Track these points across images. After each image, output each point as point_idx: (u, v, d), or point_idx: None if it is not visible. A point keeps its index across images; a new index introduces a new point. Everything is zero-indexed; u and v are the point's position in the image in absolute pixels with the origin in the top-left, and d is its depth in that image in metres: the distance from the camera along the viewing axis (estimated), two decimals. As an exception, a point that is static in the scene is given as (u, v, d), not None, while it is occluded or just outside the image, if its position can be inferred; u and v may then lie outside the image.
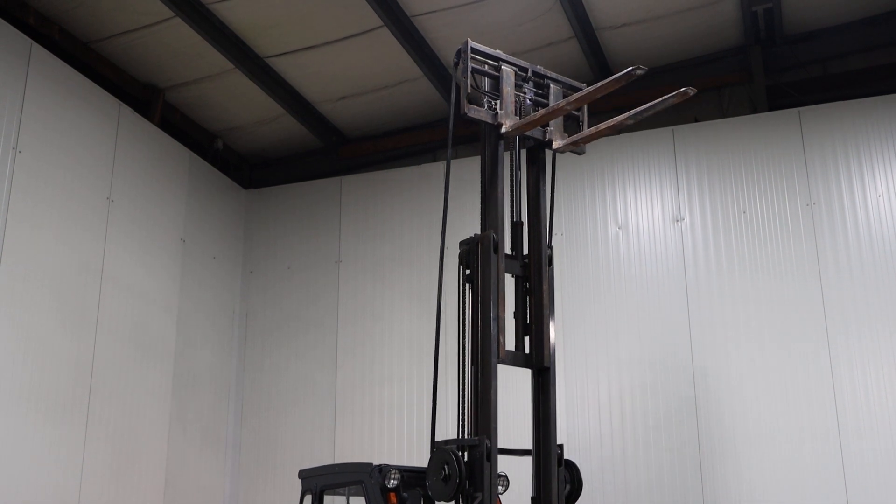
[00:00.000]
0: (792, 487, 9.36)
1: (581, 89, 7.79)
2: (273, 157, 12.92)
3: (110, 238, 9.79)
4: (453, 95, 7.34)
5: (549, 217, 7.56)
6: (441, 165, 11.59)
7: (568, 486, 7.40)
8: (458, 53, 7.34)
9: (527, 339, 7.25)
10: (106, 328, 9.56)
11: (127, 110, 10.28)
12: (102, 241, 9.69)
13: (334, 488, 8.24)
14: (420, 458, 8.37)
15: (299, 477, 8.68)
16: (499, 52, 7.52)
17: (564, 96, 7.72)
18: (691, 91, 6.25)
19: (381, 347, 11.09)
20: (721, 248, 10.14)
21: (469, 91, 7.25)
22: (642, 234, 10.49)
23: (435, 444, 7.07)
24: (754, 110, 10.85)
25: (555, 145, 7.51)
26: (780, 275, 9.87)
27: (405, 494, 7.70)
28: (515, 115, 7.39)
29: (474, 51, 7.36)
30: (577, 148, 7.59)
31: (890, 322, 9.40)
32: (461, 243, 7.27)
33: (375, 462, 7.82)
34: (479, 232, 7.18)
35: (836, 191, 9.91)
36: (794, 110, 10.28)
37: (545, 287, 7.25)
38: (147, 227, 10.43)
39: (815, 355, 9.56)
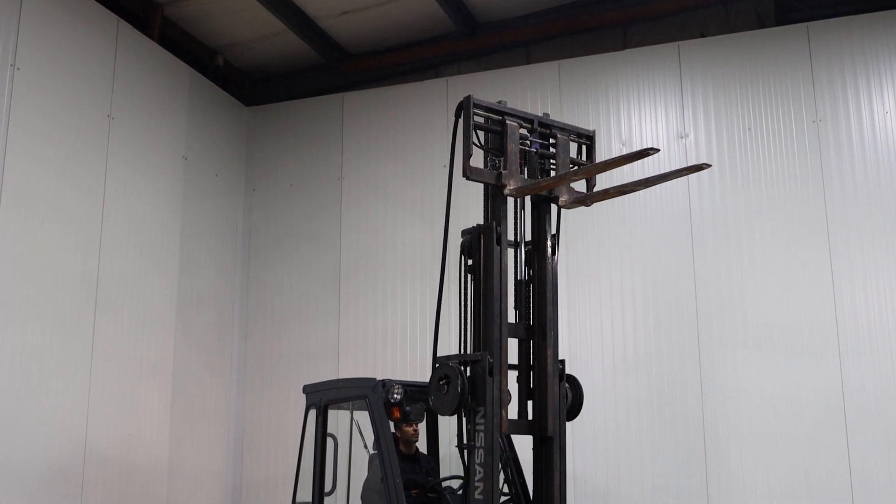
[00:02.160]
0: (790, 403, 9.46)
1: (590, 135, 7.64)
2: (274, 74, 12.80)
3: (112, 156, 9.75)
4: (452, 150, 7.09)
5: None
6: (444, 82, 11.47)
7: (569, 401, 7.50)
8: (459, 108, 7.05)
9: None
10: (109, 246, 9.57)
11: (125, 26, 10.15)
12: (104, 159, 9.65)
13: (338, 403, 8.33)
14: (423, 373, 8.43)
15: (304, 392, 8.77)
16: (503, 105, 7.25)
17: (573, 145, 7.52)
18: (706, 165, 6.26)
19: (385, 264, 11.12)
20: (725, 165, 10.08)
21: (472, 151, 6.94)
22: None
23: (437, 360, 7.15)
24: (762, 25, 10.68)
25: (561, 201, 7.31)
26: (784, 191, 9.84)
27: (408, 409, 7.79)
28: (520, 172, 7.15)
29: (477, 105, 7.06)
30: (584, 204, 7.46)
31: (893, 238, 9.40)
32: (463, 232, 7.17)
33: (379, 377, 7.89)
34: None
35: (842, 107, 9.82)
36: (803, 25, 10.13)
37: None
38: (148, 145, 10.38)
39: (818, 271, 9.58)
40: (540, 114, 7.42)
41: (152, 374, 10.09)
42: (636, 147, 10.42)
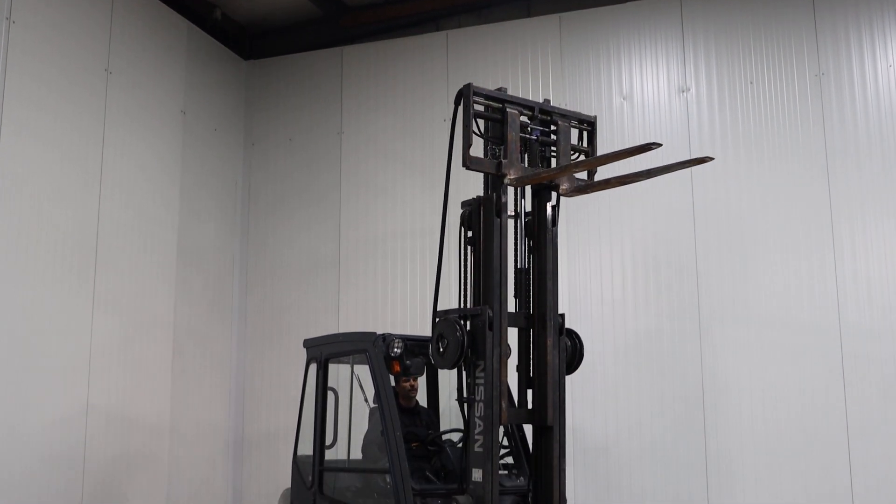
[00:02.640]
0: (789, 352, 9.50)
1: (591, 121, 7.60)
2: (272, 28, 12.69)
3: (110, 111, 9.70)
4: (451, 136, 7.04)
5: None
6: (443, 36, 11.38)
7: (569, 354, 7.53)
8: (459, 96, 6.98)
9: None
10: (109, 202, 9.55)
11: (122, -22, 10.07)
12: (102, 113, 9.60)
13: (339, 357, 8.36)
14: (424, 328, 8.47)
15: (304, 346, 8.80)
16: (503, 93, 7.17)
17: (574, 131, 7.47)
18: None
19: (385, 219, 11.11)
20: (727, 119, 10.04)
21: (472, 141, 6.89)
22: (647, 105, 10.37)
23: (437, 314, 7.16)
24: (764, -23, 10.58)
25: (562, 190, 7.27)
26: (785, 146, 9.81)
27: (409, 363, 7.82)
28: (521, 160, 7.09)
29: (477, 94, 6.99)
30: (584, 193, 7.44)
31: (894, 192, 9.38)
32: (463, 204, 7.14)
33: (379, 331, 7.92)
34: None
35: (845, 61, 9.75)
36: (806, -23, 10.04)
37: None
38: (146, 99, 10.33)
39: (818, 225, 9.58)
40: (540, 96, 7.41)
41: (153, 328, 10.11)
42: (637, 101, 10.38)
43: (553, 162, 7.34)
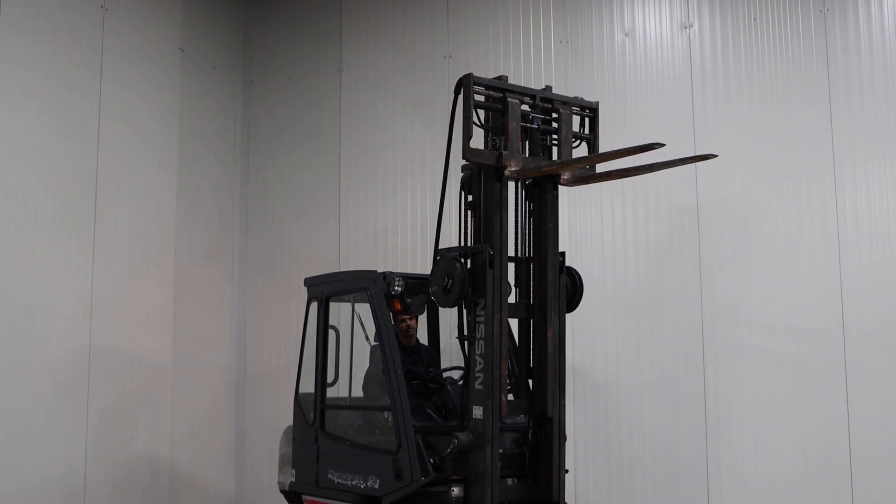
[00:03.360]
0: (789, 291, 9.52)
1: (593, 107, 7.52)
2: (271, -37, 12.53)
3: (107, 49, 9.60)
4: (450, 128, 7.01)
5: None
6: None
7: (569, 292, 7.55)
8: (459, 86, 6.92)
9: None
10: (107, 142, 9.51)
11: (117, -88, 9.90)
12: (99, 52, 9.51)
13: (339, 295, 8.38)
14: (424, 266, 8.47)
15: (305, 285, 8.82)
16: (504, 81, 7.08)
17: (575, 118, 7.41)
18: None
19: (385, 157, 11.05)
20: (729, 56, 9.94)
21: (472, 133, 6.84)
22: (649, 41, 10.26)
23: (438, 252, 7.16)
24: None
25: (563, 180, 7.22)
26: (788, 82, 9.71)
27: (409, 301, 7.84)
28: (521, 149, 7.02)
29: (477, 83, 6.92)
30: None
31: (898, 129, 9.34)
32: (463, 168, 7.07)
33: (380, 270, 7.93)
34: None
35: (851, -4, 9.64)
36: None
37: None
38: (144, 36, 10.21)
39: (819, 163, 9.54)
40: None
41: (154, 268, 10.13)
42: (639, 38, 10.26)
43: (554, 151, 7.30)
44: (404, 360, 7.72)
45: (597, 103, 7.56)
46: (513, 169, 6.90)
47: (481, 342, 6.98)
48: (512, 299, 7.34)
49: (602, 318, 9.98)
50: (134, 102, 9.93)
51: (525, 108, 7.15)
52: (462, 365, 7.49)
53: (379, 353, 7.71)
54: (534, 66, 10.51)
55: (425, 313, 8.89)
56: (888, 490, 9.06)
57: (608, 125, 10.11)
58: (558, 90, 10.23)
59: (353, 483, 7.78)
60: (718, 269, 9.76)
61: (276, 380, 11.03)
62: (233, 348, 11.36)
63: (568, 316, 7.54)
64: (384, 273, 7.78)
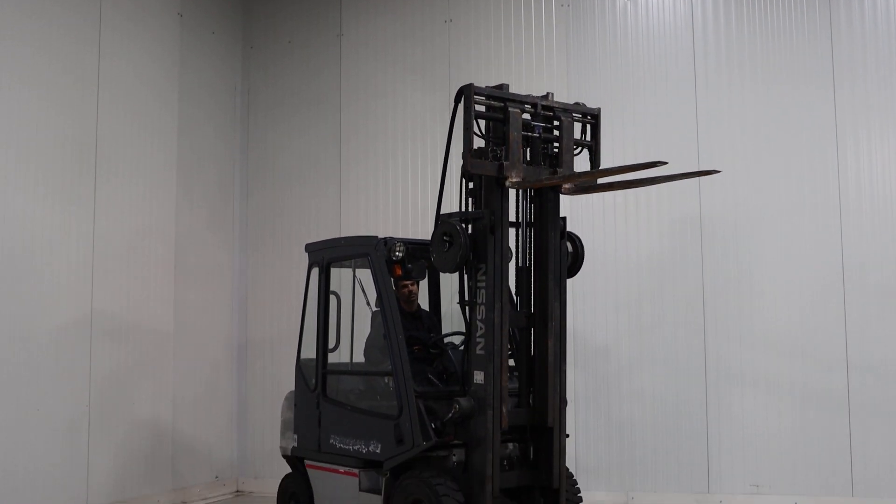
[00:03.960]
0: (790, 260, 9.53)
1: (595, 113, 7.47)
2: (269, -74, 12.40)
3: (105, 14, 9.51)
4: (449, 137, 7.00)
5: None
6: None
7: (570, 259, 7.55)
8: (459, 95, 6.87)
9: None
10: (107, 107, 9.45)
11: None
12: (97, 17, 9.43)
13: (341, 261, 8.39)
14: (425, 231, 8.46)
15: (306, 251, 8.82)
16: (505, 91, 7.03)
17: (577, 125, 7.37)
18: None
19: (386, 123, 11.00)
20: (732, 24, 9.88)
21: (473, 145, 6.81)
22: (651, 7, 10.19)
23: (439, 217, 7.15)
24: None
25: (564, 188, 7.21)
26: (789, 40, 9.69)
27: (410, 266, 7.84)
28: (522, 159, 6.99)
29: (478, 93, 6.86)
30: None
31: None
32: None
33: (381, 235, 7.91)
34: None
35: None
36: None
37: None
38: (143, 1, 10.12)
39: (822, 121, 9.53)
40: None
41: (155, 235, 10.11)
42: (641, 3, 10.18)
43: (556, 158, 7.26)
44: (405, 325, 7.73)
45: (598, 110, 7.54)
46: (514, 180, 6.88)
47: (482, 307, 6.98)
48: (512, 266, 7.34)
49: (603, 283, 9.98)
50: (133, 67, 9.87)
51: (526, 116, 7.12)
52: (463, 330, 7.50)
53: (380, 318, 7.72)
54: (535, 31, 10.44)
55: (426, 279, 8.89)
56: (886, 446, 9.12)
57: (608, 93, 10.12)
58: (559, 55, 10.26)
59: (355, 448, 7.82)
60: (720, 238, 9.75)
61: (277, 345, 11.06)
62: (234, 314, 11.37)
63: (569, 281, 7.54)
64: (385, 238, 7.78)
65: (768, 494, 9.40)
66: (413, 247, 7.90)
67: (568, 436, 7.47)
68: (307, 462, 8.45)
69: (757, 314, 9.57)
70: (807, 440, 9.35)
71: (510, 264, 7.26)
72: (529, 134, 7.11)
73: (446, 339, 8.16)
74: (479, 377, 6.97)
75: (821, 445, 9.31)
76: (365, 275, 8.07)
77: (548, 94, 7.39)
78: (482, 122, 7.00)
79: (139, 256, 9.84)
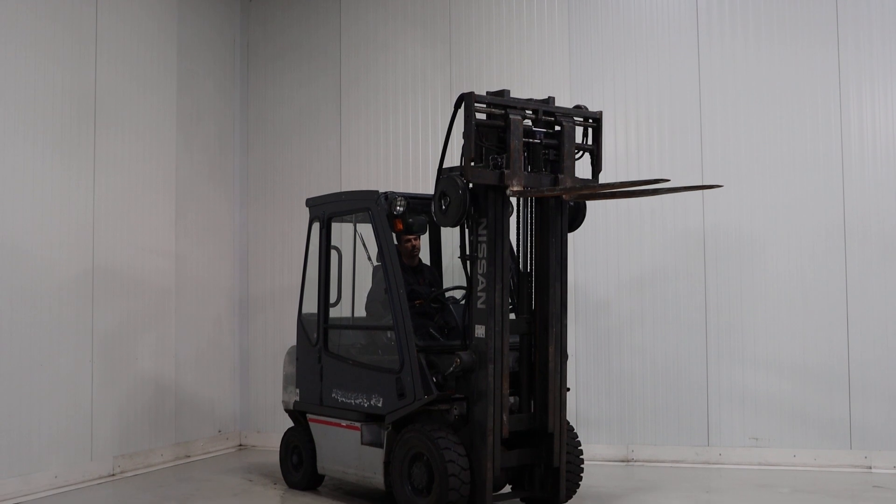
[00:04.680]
0: (792, 211, 9.51)
1: (597, 117, 7.43)
2: None
3: (102, -34, 9.42)
4: (445, 144, 6.96)
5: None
6: None
7: (571, 212, 7.53)
8: (460, 101, 6.80)
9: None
10: (105, 61, 9.37)
11: None
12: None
13: (341, 215, 8.38)
14: (427, 186, 8.44)
15: (307, 205, 8.81)
16: (506, 97, 6.96)
17: (578, 129, 7.33)
18: None
19: (386, 76, 10.92)
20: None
21: (473, 154, 6.78)
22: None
23: (440, 172, 7.12)
24: None
25: (565, 196, 7.18)
26: (795, 7, 9.60)
27: (411, 221, 7.83)
28: (524, 166, 6.94)
29: (479, 100, 6.79)
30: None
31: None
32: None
33: (382, 190, 7.89)
34: None
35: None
36: None
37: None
38: (140, -48, 10.03)
39: (825, 76, 9.46)
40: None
41: (155, 189, 10.08)
42: (644, -48, 10.10)
43: (556, 162, 7.25)
44: (407, 279, 7.75)
45: (600, 113, 7.51)
46: (515, 188, 6.86)
47: (483, 261, 6.98)
48: (513, 220, 7.33)
49: (604, 236, 9.97)
50: (131, 21, 9.77)
51: (527, 122, 7.08)
52: (464, 284, 7.51)
53: (381, 272, 7.72)
54: (536, -18, 10.36)
55: (427, 233, 8.88)
56: (884, 399, 9.17)
57: (612, 34, 10.04)
58: (561, 11, 10.16)
59: (357, 402, 7.87)
60: (721, 189, 9.71)
61: (279, 300, 11.08)
62: (235, 269, 11.37)
63: (570, 234, 7.54)
64: (386, 193, 7.76)
65: (767, 447, 9.46)
66: (414, 201, 7.89)
67: (569, 389, 7.51)
68: (309, 416, 8.50)
69: (758, 269, 9.56)
70: (806, 394, 9.39)
71: (511, 219, 7.26)
72: (531, 140, 7.10)
73: (447, 294, 8.18)
74: (480, 331, 7.00)
75: (820, 399, 9.35)
76: (366, 229, 8.06)
77: (549, 97, 7.39)
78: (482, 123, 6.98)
79: (140, 211, 9.82)
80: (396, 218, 7.67)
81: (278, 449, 8.98)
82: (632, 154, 10.00)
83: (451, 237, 8.72)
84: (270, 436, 10.65)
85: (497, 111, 6.92)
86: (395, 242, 8.01)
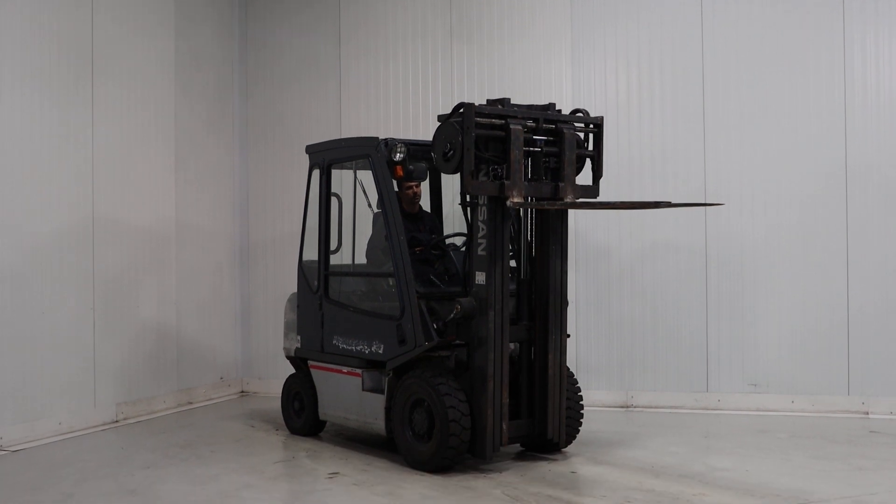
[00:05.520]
0: (793, 157, 9.49)
1: (598, 122, 7.41)
2: None
3: None
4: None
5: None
6: None
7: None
8: (457, 111, 6.76)
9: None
10: (101, 6, 9.26)
11: None
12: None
13: (342, 162, 8.35)
14: (427, 132, 8.40)
15: (307, 152, 8.77)
16: (506, 106, 6.89)
17: (578, 135, 7.31)
18: None
19: (386, 22, 10.81)
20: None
21: (472, 167, 6.73)
22: None
23: (440, 118, 7.08)
24: None
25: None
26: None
27: (412, 167, 7.80)
28: (524, 178, 6.92)
29: (479, 113, 6.73)
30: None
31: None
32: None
33: (382, 136, 7.85)
34: None
35: None
36: None
37: None
38: None
39: (829, 31, 9.39)
40: None
41: (154, 136, 10.03)
42: None
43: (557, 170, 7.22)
44: (407, 226, 7.74)
45: (601, 118, 7.47)
46: (515, 200, 6.84)
47: (484, 208, 6.97)
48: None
49: (604, 183, 9.92)
50: (127, -34, 9.68)
51: (527, 133, 7.03)
52: (464, 231, 7.50)
53: (382, 219, 7.71)
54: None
55: (428, 180, 8.85)
56: (883, 344, 9.22)
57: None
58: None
59: (358, 348, 7.90)
60: (723, 135, 9.68)
61: (279, 247, 11.08)
62: (235, 217, 11.36)
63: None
64: (386, 139, 7.72)
65: (766, 393, 9.52)
66: (414, 148, 7.85)
67: (569, 336, 7.54)
68: (310, 363, 8.55)
69: (759, 215, 9.55)
70: (805, 340, 9.43)
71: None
72: (531, 148, 7.07)
73: (448, 240, 8.17)
74: (480, 278, 7.01)
75: (818, 345, 9.40)
76: (366, 176, 8.03)
77: (550, 104, 7.38)
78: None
79: (139, 159, 9.79)
80: (397, 165, 7.63)
81: (280, 395, 9.04)
82: (633, 101, 9.94)
83: (451, 184, 8.70)
84: (272, 383, 10.72)
85: (497, 121, 6.89)
86: (398, 189, 7.99)
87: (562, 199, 7.12)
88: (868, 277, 9.27)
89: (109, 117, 9.35)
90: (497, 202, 6.95)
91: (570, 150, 7.17)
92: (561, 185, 7.13)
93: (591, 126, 7.47)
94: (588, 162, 7.55)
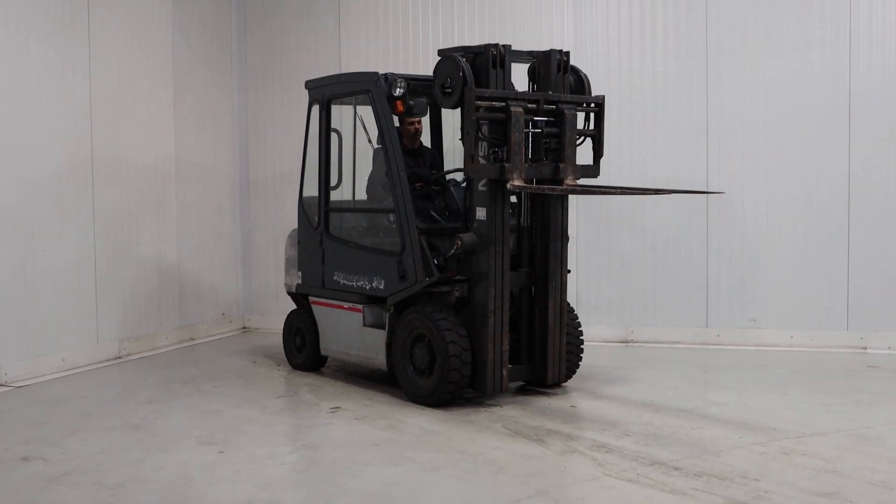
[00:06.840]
0: (797, 96, 9.44)
1: (599, 101, 7.36)
2: None
3: None
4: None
5: None
6: None
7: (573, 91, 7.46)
8: (461, 97, 6.67)
9: None
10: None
11: None
12: None
13: (341, 98, 8.29)
14: (427, 68, 8.32)
15: (306, 87, 8.71)
16: (508, 90, 6.80)
17: (580, 115, 7.27)
18: None
19: (385, -45, 10.68)
20: None
21: (473, 151, 6.70)
22: None
23: (441, 52, 7.02)
24: None
25: (566, 184, 7.08)
26: None
27: (412, 103, 7.75)
28: (525, 160, 6.86)
29: (480, 97, 6.63)
30: None
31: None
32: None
33: (382, 71, 7.79)
34: None
35: None
36: None
37: None
38: None
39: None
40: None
41: (152, 73, 9.95)
42: None
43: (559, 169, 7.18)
44: (408, 162, 7.71)
45: (603, 97, 7.40)
46: (515, 183, 6.79)
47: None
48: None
49: (606, 118, 9.88)
50: None
51: (528, 115, 6.96)
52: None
53: (382, 155, 7.68)
54: None
55: (428, 115, 8.80)
56: (881, 280, 9.26)
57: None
58: None
59: (359, 284, 7.93)
60: (726, 72, 9.62)
61: (279, 184, 11.05)
62: (235, 152, 11.30)
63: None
64: (386, 74, 7.66)
65: (765, 328, 9.58)
66: (415, 83, 7.79)
67: (570, 271, 7.56)
68: (311, 298, 8.58)
69: (761, 151, 9.53)
70: (804, 276, 9.46)
71: None
72: (531, 130, 7.03)
73: (448, 176, 8.15)
74: (481, 213, 7.01)
75: (818, 280, 9.43)
76: (366, 111, 7.98)
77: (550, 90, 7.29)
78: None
79: (137, 96, 9.72)
80: (397, 100, 7.57)
81: (281, 331, 9.09)
82: (635, 37, 9.84)
83: (452, 119, 8.65)
84: (273, 318, 10.75)
85: (498, 104, 6.83)
86: (400, 125, 7.95)
87: (562, 181, 7.11)
88: (868, 213, 9.27)
89: (106, 54, 9.26)
90: (497, 184, 6.99)
91: (571, 130, 7.16)
92: (561, 165, 7.13)
93: (593, 105, 7.44)
94: (589, 141, 7.54)
